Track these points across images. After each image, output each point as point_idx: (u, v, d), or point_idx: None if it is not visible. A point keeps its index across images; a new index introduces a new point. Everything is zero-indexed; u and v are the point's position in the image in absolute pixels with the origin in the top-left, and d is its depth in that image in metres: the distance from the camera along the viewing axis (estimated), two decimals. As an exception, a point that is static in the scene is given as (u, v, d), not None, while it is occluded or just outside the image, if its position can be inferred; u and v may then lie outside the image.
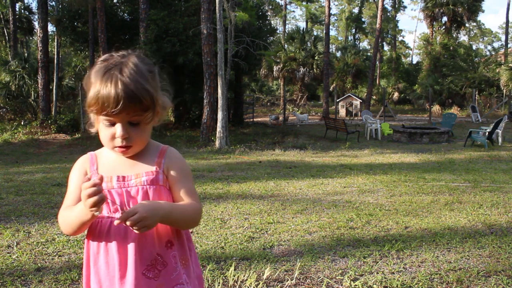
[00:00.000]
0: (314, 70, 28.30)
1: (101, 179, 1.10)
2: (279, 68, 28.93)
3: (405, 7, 69.02)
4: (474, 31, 57.52)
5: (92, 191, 1.07)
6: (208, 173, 7.38)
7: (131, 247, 1.19)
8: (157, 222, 1.15)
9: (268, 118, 22.32)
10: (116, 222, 1.11)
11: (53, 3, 21.07)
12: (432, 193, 5.60)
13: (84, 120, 17.58)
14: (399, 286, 2.68)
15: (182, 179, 1.28)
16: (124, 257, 1.19)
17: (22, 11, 29.38)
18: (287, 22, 53.54)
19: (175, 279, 1.23)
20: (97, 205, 1.08)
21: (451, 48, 31.89)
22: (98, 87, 1.13)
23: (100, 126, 1.21)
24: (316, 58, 28.31)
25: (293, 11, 72.06)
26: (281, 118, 22.27)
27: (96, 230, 1.21)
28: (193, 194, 1.29)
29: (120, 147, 1.21)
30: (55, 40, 20.13)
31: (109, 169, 1.26)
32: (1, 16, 28.14)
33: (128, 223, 1.09)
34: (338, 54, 43.97)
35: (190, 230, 1.35)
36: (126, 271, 1.18)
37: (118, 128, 1.17)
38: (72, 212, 1.17)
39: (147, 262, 1.20)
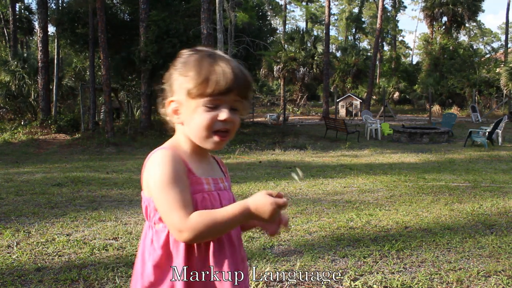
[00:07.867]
0: (314, 70, 28.30)
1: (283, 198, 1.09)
2: (279, 68, 28.93)
3: (405, 7, 68.79)
4: (474, 31, 57.48)
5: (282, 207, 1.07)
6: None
7: (236, 249, 1.19)
8: None
9: (267, 118, 22.27)
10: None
11: (53, 5, 21.08)
12: (432, 193, 5.60)
13: (84, 120, 17.61)
14: (399, 286, 2.67)
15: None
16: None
17: (22, 11, 29.39)
18: (287, 22, 53.52)
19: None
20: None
21: (451, 48, 31.85)
22: (205, 68, 1.10)
23: (198, 112, 1.12)
24: (316, 58, 28.30)
25: (293, 11, 72.20)
26: (281, 118, 22.24)
27: None
28: None
29: (221, 131, 1.13)
30: (55, 40, 20.13)
31: (202, 170, 1.18)
32: (1, 16, 28.15)
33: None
34: (338, 54, 43.96)
35: None
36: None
37: (223, 111, 1.12)
38: (220, 219, 1.06)
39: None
